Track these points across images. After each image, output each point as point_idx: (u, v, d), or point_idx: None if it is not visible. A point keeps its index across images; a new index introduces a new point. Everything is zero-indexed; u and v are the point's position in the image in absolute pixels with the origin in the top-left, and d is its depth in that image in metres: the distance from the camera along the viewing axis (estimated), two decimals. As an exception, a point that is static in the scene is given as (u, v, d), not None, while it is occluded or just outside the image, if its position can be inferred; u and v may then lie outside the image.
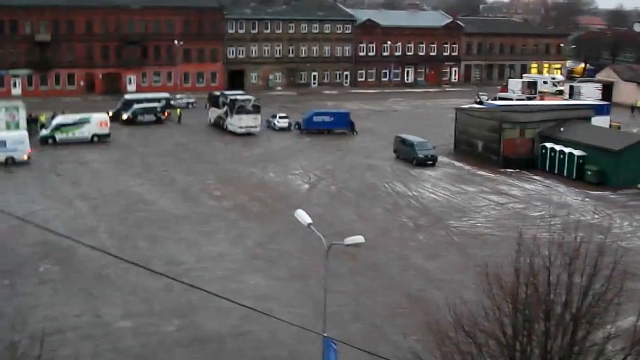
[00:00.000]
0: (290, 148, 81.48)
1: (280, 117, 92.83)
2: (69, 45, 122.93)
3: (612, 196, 62.80)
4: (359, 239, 27.40)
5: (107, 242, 48.38)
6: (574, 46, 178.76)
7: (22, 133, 74.76)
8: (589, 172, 66.88)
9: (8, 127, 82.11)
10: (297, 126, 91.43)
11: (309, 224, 26.72)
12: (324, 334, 25.86)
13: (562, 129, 72.63)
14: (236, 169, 70.81)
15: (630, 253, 43.37)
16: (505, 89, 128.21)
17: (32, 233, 48.28)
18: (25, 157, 71.33)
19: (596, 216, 56.28)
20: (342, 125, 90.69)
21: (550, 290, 20.52)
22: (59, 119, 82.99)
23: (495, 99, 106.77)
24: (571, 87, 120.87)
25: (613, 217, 56.25)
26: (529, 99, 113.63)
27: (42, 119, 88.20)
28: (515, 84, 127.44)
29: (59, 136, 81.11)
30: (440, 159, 75.03)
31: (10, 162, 70.40)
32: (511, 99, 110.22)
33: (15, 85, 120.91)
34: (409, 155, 74.37)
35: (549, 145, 71.00)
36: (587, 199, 61.71)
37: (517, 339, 20.33)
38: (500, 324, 20.67)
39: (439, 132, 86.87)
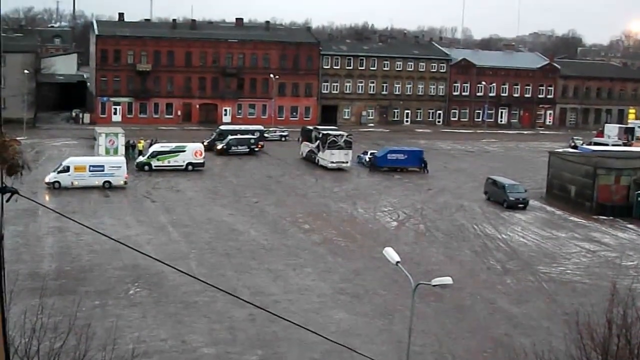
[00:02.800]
0: (380, 184, 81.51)
1: (371, 154, 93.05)
2: (168, 75, 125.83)
3: None
4: (447, 280, 27.29)
5: (196, 269, 48.99)
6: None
7: (120, 159, 76.76)
8: (686, 223, 65.41)
9: (107, 152, 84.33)
10: (367, 163, 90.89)
11: (397, 262, 26.70)
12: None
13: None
14: (326, 204, 71.13)
15: None
16: (601, 134, 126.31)
17: (125, 256, 49.22)
18: (122, 182, 73.06)
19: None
20: (415, 163, 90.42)
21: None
22: (156, 147, 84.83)
23: (590, 144, 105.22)
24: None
25: None
26: (625, 145, 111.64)
27: (140, 146, 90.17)
28: (611, 129, 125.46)
29: (155, 163, 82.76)
30: (531, 202, 74.12)
31: (108, 187, 72.19)
32: (607, 145, 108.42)
33: (115, 112, 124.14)
34: (500, 198, 73.67)
35: (644, 193, 69.68)
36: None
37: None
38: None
39: (531, 175, 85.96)
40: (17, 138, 8.46)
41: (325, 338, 32.43)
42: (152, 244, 55.01)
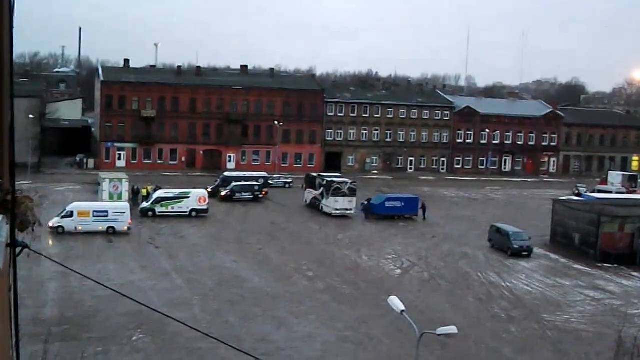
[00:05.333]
0: (384, 232, 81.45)
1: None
2: (172, 121, 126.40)
3: None
4: (452, 329, 27.24)
5: (199, 315, 48.86)
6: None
7: (124, 204, 76.91)
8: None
9: (111, 198, 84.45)
10: (362, 209, 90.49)
11: (402, 311, 26.66)
12: None
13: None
14: (330, 251, 71.06)
15: None
16: (604, 181, 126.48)
17: (128, 302, 48.99)
18: (126, 228, 73.12)
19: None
20: (412, 210, 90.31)
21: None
22: (160, 193, 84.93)
23: (594, 192, 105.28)
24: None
25: None
26: (629, 193, 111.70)
27: (145, 192, 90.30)
28: (615, 177, 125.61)
29: (158, 209, 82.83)
30: (535, 250, 74.01)
31: (111, 232, 72.21)
32: (611, 192, 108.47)
33: (120, 157, 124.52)
34: (504, 245, 73.55)
35: (649, 241, 69.57)
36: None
37: None
38: None
39: (535, 222, 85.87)
40: (27, 195, 8.64)
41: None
42: (155, 289, 54.90)
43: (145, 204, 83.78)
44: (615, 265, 69.52)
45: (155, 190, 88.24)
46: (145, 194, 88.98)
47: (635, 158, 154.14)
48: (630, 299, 59.42)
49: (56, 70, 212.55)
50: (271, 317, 50.13)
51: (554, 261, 71.87)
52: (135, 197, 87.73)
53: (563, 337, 49.11)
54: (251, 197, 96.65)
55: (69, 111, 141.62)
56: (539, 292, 60.11)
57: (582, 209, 78.03)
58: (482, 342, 47.21)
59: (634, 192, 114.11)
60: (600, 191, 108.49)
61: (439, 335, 27.13)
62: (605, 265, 69.91)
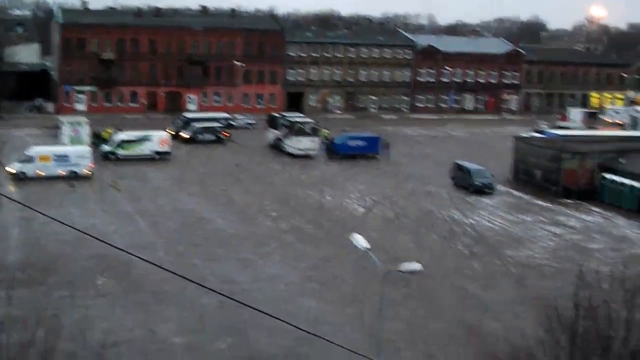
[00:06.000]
0: (347, 172, 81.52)
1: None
2: (132, 63, 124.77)
3: (675, 231, 61.84)
4: (416, 265, 27.46)
5: (164, 258, 48.83)
6: (637, 76, 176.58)
7: (86, 148, 76.12)
8: (651, 205, 66.00)
9: (72, 142, 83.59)
10: (325, 149, 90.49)
11: (366, 249, 26.79)
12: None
13: (623, 161, 71.79)
14: (293, 191, 71.13)
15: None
16: (565, 118, 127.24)
17: (91, 246, 48.92)
18: (87, 172, 72.47)
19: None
20: (374, 149, 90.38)
21: (609, 325, 20.30)
22: (121, 136, 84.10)
23: (555, 128, 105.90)
24: (633, 118, 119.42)
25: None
26: (589, 129, 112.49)
27: (105, 135, 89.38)
28: (575, 114, 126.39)
29: (120, 153, 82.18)
30: (497, 187, 74.57)
31: (73, 176, 71.58)
32: (571, 129, 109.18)
33: (79, 101, 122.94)
34: (466, 183, 74.02)
35: (609, 176, 70.21)
36: (647, 233, 60.86)
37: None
38: (557, 358, 20.51)
39: (497, 160, 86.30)
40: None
41: (294, 326, 32.49)
42: (119, 233, 54.73)
43: (106, 148, 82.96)
44: (576, 201, 70.26)
45: (115, 133, 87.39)
46: (106, 137, 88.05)
47: (594, 95, 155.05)
48: (590, 233, 60.20)
49: (13, 13, 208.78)
50: (235, 259, 50.28)
51: (516, 198, 72.51)
52: (96, 140, 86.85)
53: (526, 273, 49.73)
54: (214, 139, 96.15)
55: (27, 55, 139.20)
56: (502, 229, 60.71)
57: (544, 145, 78.58)
58: (446, 279, 47.70)
59: (593, 128, 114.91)
60: (561, 128, 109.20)
61: (402, 272, 27.34)
62: (567, 201, 70.64)
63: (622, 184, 68.61)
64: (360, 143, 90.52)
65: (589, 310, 20.74)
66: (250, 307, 33.92)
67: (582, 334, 20.52)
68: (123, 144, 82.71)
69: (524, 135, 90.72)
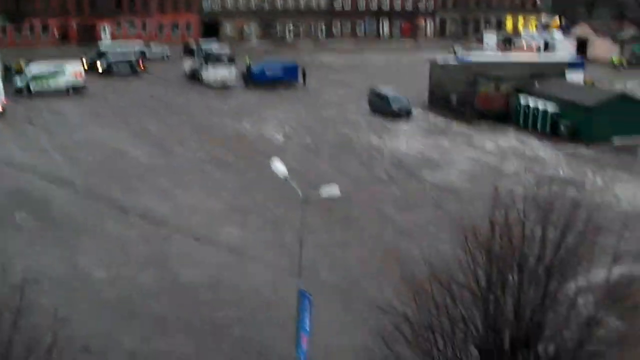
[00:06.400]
0: (265, 100, 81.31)
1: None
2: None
3: (585, 151, 63.23)
4: (334, 188, 27.77)
5: (82, 192, 48.42)
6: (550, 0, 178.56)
7: (-4, 83, 74.11)
8: (563, 128, 67.26)
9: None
10: (243, 78, 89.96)
11: (285, 175, 26.98)
12: (299, 285, 26.20)
13: (536, 84, 72.89)
14: (211, 121, 70.79)
15: (603, 208, 43.84)
16: (479, 41, 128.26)
17: (7, 182, 48.28)
18: (0, 108, 70.69)
19: (569, 171, 56.80)
20: (292, 77, 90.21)
21: (524, 243, 20.89)
22: (34, 70, 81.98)
23: (469, 53, 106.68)
24: (546, 43, 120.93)
25: (586, 172, 56.75)
26: (504, 53, 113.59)
27: (17, 68, 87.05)
28: (490, 38, 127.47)
29: (34, 87, 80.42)
30: (414, 112, 75.20)
31: (-15, 112, 69.95)
32: (485, 53, 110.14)
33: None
34: (384, 109, 74.46)
35: (523, 100, 71.31)
36: (560, 154, 62.17)
37: (491, 290, 20.74)
38: (475, 276, 21.06)
39: (413, 85, 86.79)
40: None
41: (218, 255, 32.79)
42: (36, 169, 53.93)
43: (19, 83, 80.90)
44: (492, 124, 71.22)
45: (27, 66, 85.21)
46: (18, 69, 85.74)
47: (509, 19, 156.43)
48: (505, 156, 61.29)
49: None
50: (155, 190, 50.09)
51: (433, 122, 73.26)
52: (8, 74, 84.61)
53: (443, 196, 50.57)
54: (129, 70, 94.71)
55: None
56: (419, 153, 61.46)
57: (459, 70, 79.22)
58: (366, 204, 48.27)
59: (508, 52, 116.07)
60: (475, 52, 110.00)
61: (322, 196, 27.63)
62: (482, 124, 71.57)
63: (536, 107, 69.79)
64: (278, 71, 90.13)
65: (504, 229, 21.26)
66: (173, 236, 34.13)
67: (499, 252, 21.06)
68: (35, 78, 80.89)
69: (439, 60, 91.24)
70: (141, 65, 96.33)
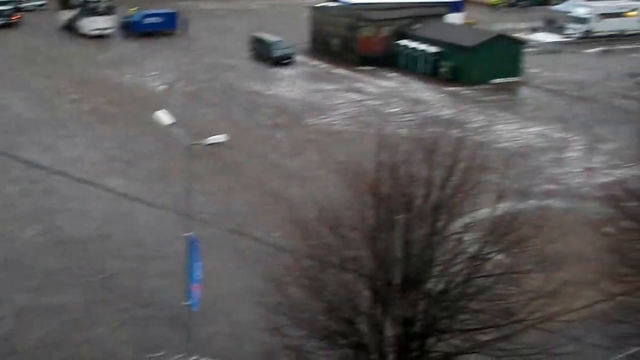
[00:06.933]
0: (145, 49, 79.70)
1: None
2: None
3: (466, 92, 64.35)
4: (220, 137, 27.62)
5: (-41, 148, 47.00)
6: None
7: None
8: (444, 69, 68.22)
9: None
10: (121, 28, 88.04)
11: (170, 124, 26.67)
12: (188, 234, 26.06)
13: (417, 26, 73.53)
14: (91, 73, 69.14)
15: (485, 146, 44.80)
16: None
17: None
18: None
19: (452, 111, 57.75)
20: (172, 25, 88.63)
21: (410, 183, 21.18)
22: None
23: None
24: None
25: (468, 112, 57.81)
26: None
27: None
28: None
29: None
30: (296, 58, 74.99)
31: None
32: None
33: None
34: (266, 55, 73.99)
35: (404, 42, 71.91)
36: (442, 95, 63.11)
37: (380, 230, 21.01)
38: (363, 217, 21.28)
39: (295, 31, 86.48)
40: None
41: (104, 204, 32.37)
42: None
43: None
44: (374, 68, 71.67)
45: None
46: None
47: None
48: (388, 98, 61.90)
49: None
50: (36, 143, 48.94)
51: (315, 67, 73.30)
52: None
53: (328, 139, 50.90)
54: (3, 22, 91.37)
55: None
56: (303, 98, 61.56)
57: (340, 14, 79.20)
58: (251, 150, 48.24)
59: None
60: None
61: (207, 145, 27.46)
62: (365, 68, 71.91)
63: (416, 49, 70.51)
64: (157, 20, 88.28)
65: (391, 170, 21.49)
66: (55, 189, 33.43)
67: (386, 193, 21.30)
68: None
69: (320, 5, 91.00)
70: (16, 16, 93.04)
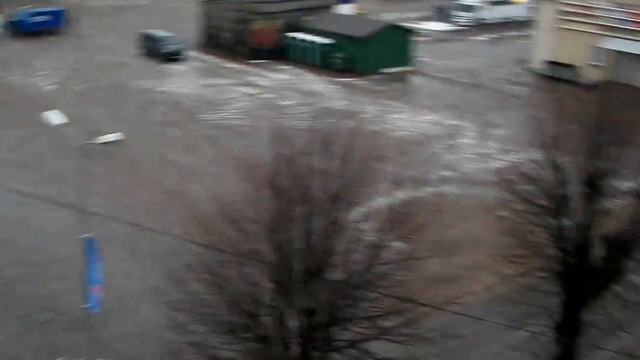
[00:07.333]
0: (34, 49, 77.98)
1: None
2: None
3: (359, 82, 64.95)
4: (115, 136, 27.34)
5: None
6: None
7: None
8: (336, 60, 68.66)
9: None
10: (6, 28, 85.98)
11: (61, 124, 26.27)
12: (86, 236, 25.74)
13: (308, 18, 73.79)
14: (-24, 73, 67.52)
15: (380, 136, 45.41)
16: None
17: None
18: None
19: (345, 102, 58.22)
20: (60, 23, 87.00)
21: (307, 175, 21.30)
22: None
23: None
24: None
25: (361, 102, 58.33)
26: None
27: None
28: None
29: None
30: (188, 53, 74.39)
31: None
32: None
33: None
34: (156, 51, 73.14)
35: (296, 34, 72.10)
36: (335, 86, 63.53)
37: (279, 222, 21.10)
38: (262, 209, 21.32)
39: (186, 25, 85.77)
40: None
41: None
42: None
43: None
44: (267, 61, 71.65)
45: None
46: None
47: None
48: (282, 91, 62.06)
49: None
50: None
51: (207, 62, 72.87)
52: None
53: (223, 134, 50.80)
54: None
55: None
56: (196, 94, 61.22)
57: (231, 8, 78.88)
58: (146, 148, 47.86)
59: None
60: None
61: (102, 143, 27.14)
62: (257, 61, 71.82)
63: (307, 41, 70.80)
64: (44, 18, 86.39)
65: (287, 163, 21.58)
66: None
67: (283, 186, 21.38)
68: None
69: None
70: None
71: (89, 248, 25.65)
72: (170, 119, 54.43)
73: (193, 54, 75.23)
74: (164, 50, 72.45)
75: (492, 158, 47.55)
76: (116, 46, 79.10)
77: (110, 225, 36.23)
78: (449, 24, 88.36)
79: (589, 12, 65.48)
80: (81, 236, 25.95)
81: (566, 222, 24.98)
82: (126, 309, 30.44)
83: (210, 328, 21.64)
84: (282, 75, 67.15)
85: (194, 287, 21.63)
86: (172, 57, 72.35)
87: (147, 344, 28.21)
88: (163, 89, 62.41)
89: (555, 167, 24.80)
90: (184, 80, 65.30)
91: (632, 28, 63.16)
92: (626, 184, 25.82)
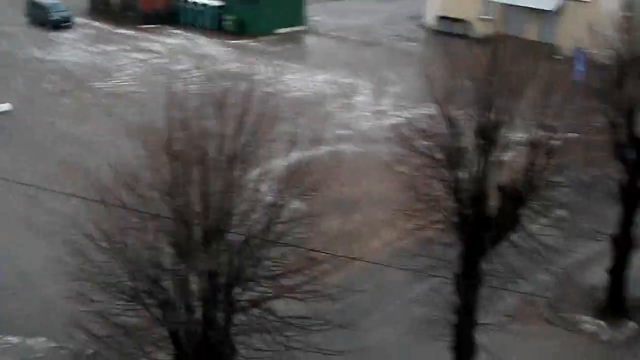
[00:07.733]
0: None
1: None
2: None
3: (252, 44, 64.74)
4: (4, 107, 26.84)
5: None
6: None
7: None
8: (228, 22, 68.25)
9: None
10: None
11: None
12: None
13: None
14: None
15: (275, 96, 45.36)
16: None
17: None
18: None
19: (238, 64, 58.03)
20: None
21: (202, 137, 21.27)
22: None
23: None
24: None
25: (255, 64, 58.22)
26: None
27: None
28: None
29: None
30: (76, 20, 72.79)
31: None
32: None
33: None
34: (44, 19, 71.39)
35: (184, -2, 71.48)
36: (228, 49, 63.22)
37: (177, 186, 21.05)
38: (159, 174, 21.22)
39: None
40: None
41: None
42: None
43: None
44: (158, 25, 70.66)
45: None
46: None
47: None
48: (174, 56, 61.46)
49: None
50: None
51: (97, 29, 71.45)
52: None
53: (116, 102, 50.16)
54: None
55: None
56: (87, 62, 60.18)
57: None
58: (39, 119, 46.89)
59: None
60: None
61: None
62: (148, 26, 70.78)
63: (197, 3, 70.14)
64: None
65: (182, 127, 21.48)
66: None
67: (179, 150, 21.29)
68: None
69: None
70: None
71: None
72: (61, 89, 53.41)
73: (82, 20, 73.63)
74: (52, 18, 70.76)
75: (388, 115, 48.14)
76: (1, 15, 76.94)
77: (4, 200, 35.62)
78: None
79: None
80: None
81: (461, 174, 25.46)
82: (29, 284, 30.03)
83: (113, 296, 21.54)
84: (174, 40, 66.46)
85: (94, 257, 21.47)
86: (60, 24, 70.76)
87: (50, 317, 27.90)
88: (53, 57, 61.15)
89: (449, 120, 25.24)
90: (74, 48, 64.03)
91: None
92: (519, 135, 26.44)
